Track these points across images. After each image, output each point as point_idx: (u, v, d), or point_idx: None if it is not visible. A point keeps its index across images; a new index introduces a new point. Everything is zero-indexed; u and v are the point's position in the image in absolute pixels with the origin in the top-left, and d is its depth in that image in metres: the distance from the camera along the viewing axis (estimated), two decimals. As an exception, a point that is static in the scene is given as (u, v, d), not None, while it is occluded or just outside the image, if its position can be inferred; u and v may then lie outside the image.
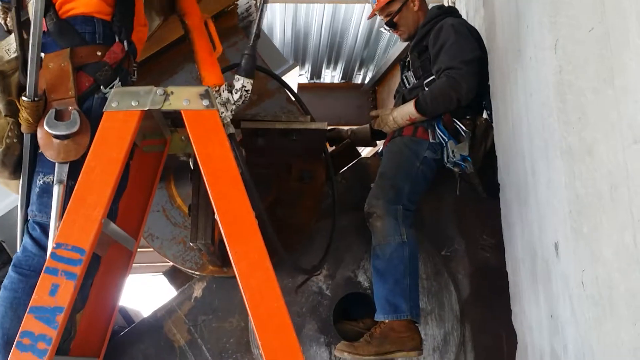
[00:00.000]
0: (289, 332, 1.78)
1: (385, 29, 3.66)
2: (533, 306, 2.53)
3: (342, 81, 8.06)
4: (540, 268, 2.40)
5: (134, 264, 2.40)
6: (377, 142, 3.76)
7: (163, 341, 3.10)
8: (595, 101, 1.84)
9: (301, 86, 7.17)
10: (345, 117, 7.82)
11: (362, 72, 7.95)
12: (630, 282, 1.62)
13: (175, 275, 3.54)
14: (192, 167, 2.62)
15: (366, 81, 7.95)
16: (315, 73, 7.84)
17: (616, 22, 1.66)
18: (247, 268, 1.82)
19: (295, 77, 4.31)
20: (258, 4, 2.66)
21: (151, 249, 3.14)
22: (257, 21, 2.40)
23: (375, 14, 3.59)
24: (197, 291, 3.19)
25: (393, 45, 7.19)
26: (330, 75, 7.96)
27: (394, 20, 3.48)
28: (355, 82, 8.11)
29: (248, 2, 3.34)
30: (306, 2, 6.12)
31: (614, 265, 1.73)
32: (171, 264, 3.50)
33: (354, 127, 3.83)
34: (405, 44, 3.75)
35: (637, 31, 1.53)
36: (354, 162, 3.55)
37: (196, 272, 3.11)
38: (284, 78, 3.91)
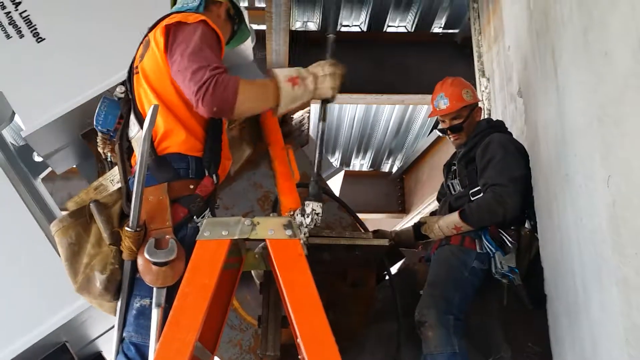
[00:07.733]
0: None
1: (441, 131, 3.77)
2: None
3: (371, 169, 8.26)
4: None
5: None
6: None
7: None
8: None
9: (330, 173, 7.41)
10: (374, 203, 7.98)
11: (390, 161, 8.15)
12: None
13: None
14: (256, 280, 2.80)
15: (394, 169, 8.14)
16: (345, 161, 8.05)
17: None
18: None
19: (340, 180, 4.51)
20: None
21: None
22: (317, 154, 2.56)
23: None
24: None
25: (422, 136, 7.41)
26: (359, 163, 8.17)
27: (463, 125, 3.64)
28: (383, 170, 8.31)
29: (302, 115, 3.57)
30: (338, 103, 6.37)
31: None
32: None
33: (398, 229, 3.99)
34: (433, 136, 3.87)
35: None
36: (401, 267, 3.68)
37: (251, 376, 3.21)
38: (330, 182, 4.12)
